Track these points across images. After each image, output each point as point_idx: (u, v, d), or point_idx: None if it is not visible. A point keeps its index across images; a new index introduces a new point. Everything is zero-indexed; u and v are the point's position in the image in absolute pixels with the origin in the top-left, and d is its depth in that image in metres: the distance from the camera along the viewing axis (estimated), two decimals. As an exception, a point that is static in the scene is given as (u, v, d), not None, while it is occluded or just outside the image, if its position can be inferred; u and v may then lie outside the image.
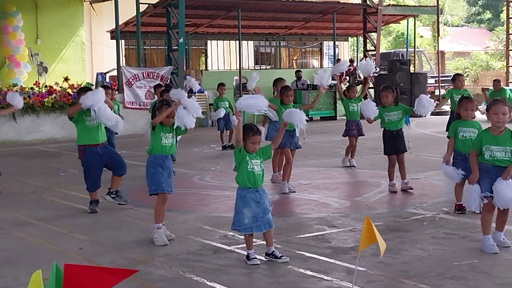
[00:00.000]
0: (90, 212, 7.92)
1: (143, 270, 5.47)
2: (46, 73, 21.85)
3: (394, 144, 9.00)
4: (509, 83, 27.10)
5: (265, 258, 5.83)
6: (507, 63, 28.18)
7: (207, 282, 5.20)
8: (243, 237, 6.01)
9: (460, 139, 7.25)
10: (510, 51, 27.89)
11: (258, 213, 5.69)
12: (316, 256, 5.89)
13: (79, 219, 7.70)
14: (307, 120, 6.58)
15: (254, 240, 5.89)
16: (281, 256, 5.82)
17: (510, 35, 27.80)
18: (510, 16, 27.58)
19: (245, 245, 5.89)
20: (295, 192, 9.12)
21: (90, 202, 8.05)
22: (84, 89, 8.16)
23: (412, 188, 9.04)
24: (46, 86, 17.81)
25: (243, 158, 5.73)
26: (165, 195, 6.62)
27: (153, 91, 16.10)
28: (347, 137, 11.59)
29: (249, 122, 6.28)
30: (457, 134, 7.27)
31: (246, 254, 5.83)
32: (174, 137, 6.85)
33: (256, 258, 5.76)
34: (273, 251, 5.85)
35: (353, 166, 11.30)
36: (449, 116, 11.85)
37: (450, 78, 30.49)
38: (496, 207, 5.97)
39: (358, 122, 11.48)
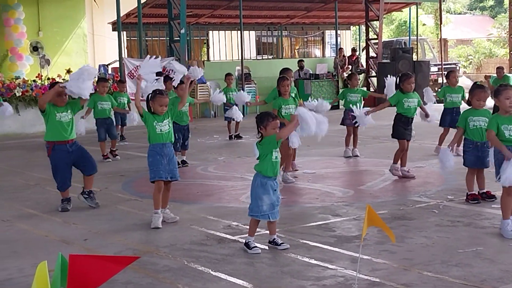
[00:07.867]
0: (61, 211, 7.61)
1: (148, 260, 5.48)
2: (48, 65, 21.86)
3: (406, 130, 9.09)
4: (512, 70, 27.00)
5: (268, 245, 5.89)
6: (510, 50, 28.11)
7: (211, 272, 5.21)
8: (247, 226, 6.02)
9: (472, 128, 7.23)
10: (513, 38, 27.78)
11: (275, 201, 5.73)
12: (320, 245, 5.89)
13: (83, 210, 7.71)
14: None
15: (257, 229, 5.90)
16: (282, 243, 5.87)
17: (513, 22, 27.69)
18: (513, 2, 27.47)
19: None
20: (293, 181, 9.10)
21: (62, 201, 7.75)
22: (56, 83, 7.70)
23: (413, 177, 9.05)
24: (48, 79, 17.82)
25: (272, 148, 5.70)
26: (161, 182, 6.80)
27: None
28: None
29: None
30: (468, 123, 7.26)
31: (245, 241, 5.83)
32: (169, 124, 6.95)
33: (256, 246, 5.77)
34: (274, 239, 5.90)
35: (356, 156, 11.27)
36: (442, 112, 11.00)
37: (453, 65, 30.39)
38: None
39: None
